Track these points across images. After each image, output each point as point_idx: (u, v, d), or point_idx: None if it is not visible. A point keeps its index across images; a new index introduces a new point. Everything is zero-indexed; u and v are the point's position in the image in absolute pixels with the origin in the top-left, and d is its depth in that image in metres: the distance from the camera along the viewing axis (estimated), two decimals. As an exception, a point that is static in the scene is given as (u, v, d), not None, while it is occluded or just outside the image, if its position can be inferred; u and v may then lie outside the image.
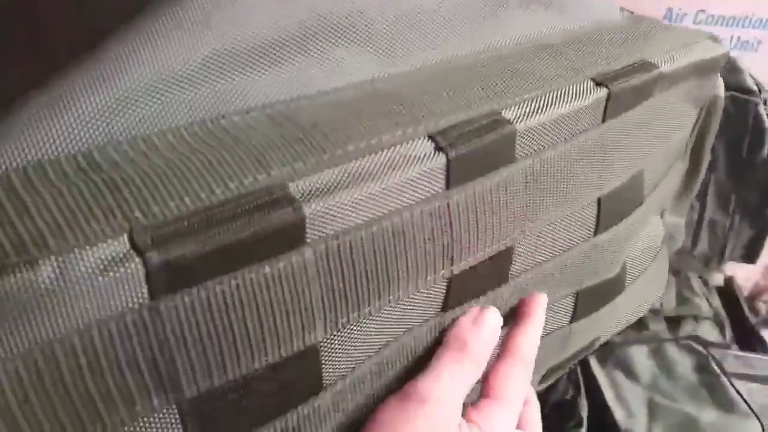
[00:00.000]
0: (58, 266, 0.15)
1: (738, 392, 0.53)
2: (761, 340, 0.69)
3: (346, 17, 0.26)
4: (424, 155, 0.22)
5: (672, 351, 0.58)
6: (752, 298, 0.77)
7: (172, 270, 0.17)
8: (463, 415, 0.26)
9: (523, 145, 0.25)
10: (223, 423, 0.20)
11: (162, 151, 0.19)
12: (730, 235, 0.67)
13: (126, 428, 0.18)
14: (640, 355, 0.57)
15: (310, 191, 0.19)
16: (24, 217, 0.16)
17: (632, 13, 0.39)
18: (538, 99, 0.26)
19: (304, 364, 0.21)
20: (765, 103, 0.63)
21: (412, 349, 0.26)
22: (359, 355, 0.24)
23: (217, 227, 0.17)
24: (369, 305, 0.22)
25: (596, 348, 0.44)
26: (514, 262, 0.28)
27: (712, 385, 0.55)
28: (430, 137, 0.22)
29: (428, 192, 0.22)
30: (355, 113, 0.22)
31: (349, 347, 0.23)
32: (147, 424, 0.18)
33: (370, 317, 0.23)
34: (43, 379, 0.16)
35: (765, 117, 0.63)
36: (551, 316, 0.34)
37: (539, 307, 0.30)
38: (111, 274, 0.16)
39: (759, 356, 0.61)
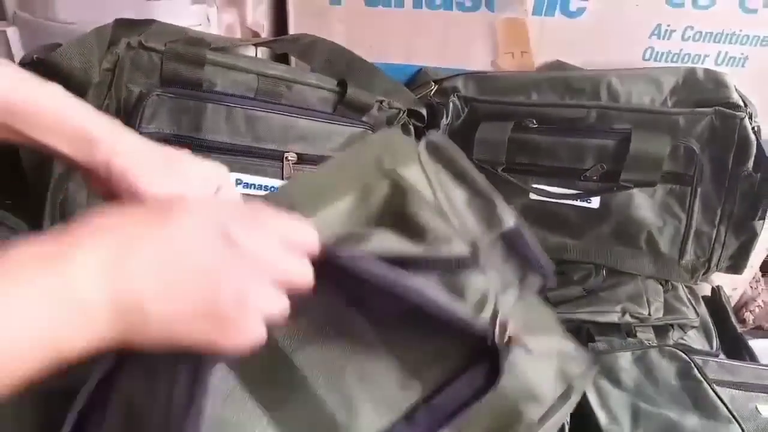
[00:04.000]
0: None
1: (720, 398, 0.55)
2: (748, 348, 0.70)
3: None
4: None
5: (656, 358, 0.59)
6: (739, 307, 0.78)
7: None
8: None
9: None
10: None
11: None
12: (716, 246, 0.68)
13: None
14: (624, 362, 0.59)
15: None
16: None
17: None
18: None
19: None
20: (750, 118, 0.65)
21: None
22: None
23: None
24: None
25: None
26: None
27: (694, 391, 0.56)
28: None
29: None
30: None
31: None
32: None
33: None
34: None
35: (750, 131, 0.65)
36: None
37: None
38: None
39: (741, 363, 0.62)
